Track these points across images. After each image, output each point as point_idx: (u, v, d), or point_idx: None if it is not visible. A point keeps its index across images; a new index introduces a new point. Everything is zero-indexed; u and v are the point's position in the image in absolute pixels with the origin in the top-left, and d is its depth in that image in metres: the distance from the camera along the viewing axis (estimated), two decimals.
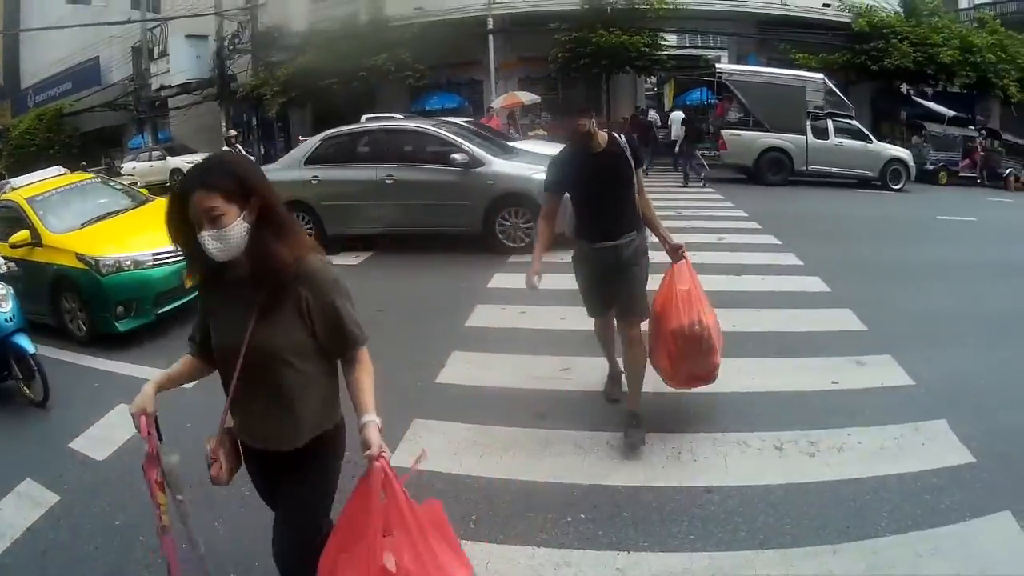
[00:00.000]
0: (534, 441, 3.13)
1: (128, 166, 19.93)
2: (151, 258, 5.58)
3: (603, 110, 17.61)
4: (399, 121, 9.24)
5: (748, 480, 2.73)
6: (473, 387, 3.75)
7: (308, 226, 7.26)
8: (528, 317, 4.60)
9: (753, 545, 2.36)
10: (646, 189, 3.19)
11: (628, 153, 3.01)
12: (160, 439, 1.75)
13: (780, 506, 2.55)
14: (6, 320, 4.45)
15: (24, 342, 4.48)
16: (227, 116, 20.13)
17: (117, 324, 5.41)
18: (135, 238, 5.80)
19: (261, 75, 19.22)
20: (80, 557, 3.03)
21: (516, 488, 2.78)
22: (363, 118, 16.27)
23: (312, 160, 7.54)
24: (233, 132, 14.00)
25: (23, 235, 5.68)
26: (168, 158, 19.42)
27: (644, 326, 3.12)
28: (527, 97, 16.50)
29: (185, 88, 21.34)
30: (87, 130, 26.21)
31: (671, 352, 3.05)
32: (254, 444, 1.71)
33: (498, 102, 15.79)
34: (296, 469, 1.67)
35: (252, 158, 13.11)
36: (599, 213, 3.05)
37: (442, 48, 17.04)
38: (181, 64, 21.25)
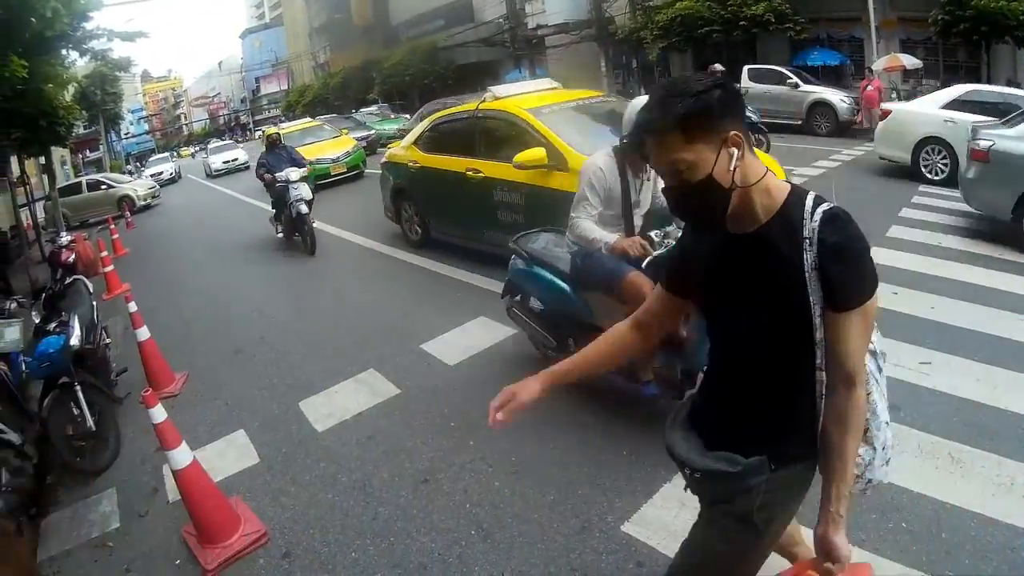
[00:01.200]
0: None
1: None
2: None
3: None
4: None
5: None
6: None
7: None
8: (899, 299, 4.46)
9: None
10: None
11: (813, 254, 1.16)
12: None
13: None
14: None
15: None
16: (606, 57, 20.35)
17: None
18: None
19: (639, 18, 19.04)
20: (405, 448, 3.21)
21: None
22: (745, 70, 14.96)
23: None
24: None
25: (536, 154, 4.51)
26: None
27: None
28: (909, 61, 14.93)
29: (562, 28, 22.16)
30: (462, 63, 28.91)
31: None
32: None
33: (880, 64, 14.51)
34: None
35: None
36: (710, 374, 1.48)
37: (821, 1, 15.98)
38: (557, 4, 22.14)
